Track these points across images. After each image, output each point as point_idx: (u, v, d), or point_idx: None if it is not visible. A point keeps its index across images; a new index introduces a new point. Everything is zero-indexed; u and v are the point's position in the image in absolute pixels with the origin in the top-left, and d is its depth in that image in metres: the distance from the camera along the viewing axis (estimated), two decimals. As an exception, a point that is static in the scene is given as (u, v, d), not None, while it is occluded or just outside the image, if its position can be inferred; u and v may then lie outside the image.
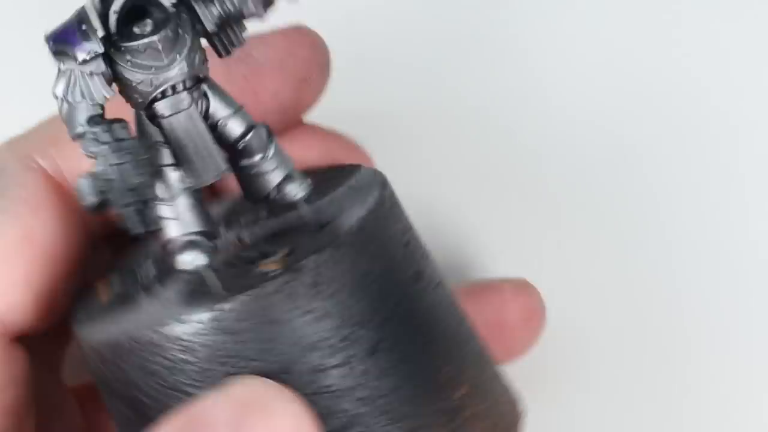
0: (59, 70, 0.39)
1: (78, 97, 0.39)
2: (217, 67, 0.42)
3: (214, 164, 0.41)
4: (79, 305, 0.46)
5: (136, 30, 0.40)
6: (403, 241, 0.44)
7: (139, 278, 0.46)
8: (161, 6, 0.40)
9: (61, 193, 0.46)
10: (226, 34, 0.42)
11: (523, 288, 0.54)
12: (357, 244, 0.42)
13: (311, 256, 0.41)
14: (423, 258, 0.45)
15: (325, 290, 0.41)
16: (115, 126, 0.39)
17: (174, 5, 0.40)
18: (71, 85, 0.39)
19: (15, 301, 0.45)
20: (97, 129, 0.39)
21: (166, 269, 0.45)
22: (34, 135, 0.47)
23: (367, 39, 0.59)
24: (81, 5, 0.40)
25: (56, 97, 0.39)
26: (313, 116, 0.51)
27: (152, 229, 0.39)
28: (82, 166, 0.44)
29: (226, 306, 0.40)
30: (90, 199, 0.39)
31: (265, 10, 0.41)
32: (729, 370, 0.58)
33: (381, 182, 0.45)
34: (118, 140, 0.39)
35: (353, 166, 0.48)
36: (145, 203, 0.38)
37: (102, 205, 0.39)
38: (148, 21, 0.40)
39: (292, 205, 0.43)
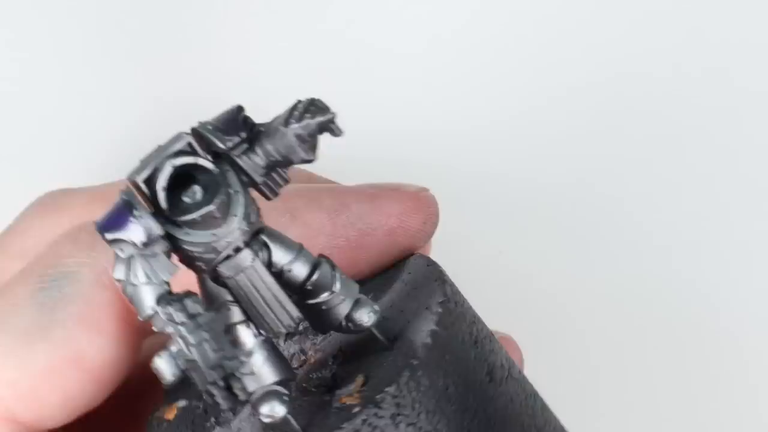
0: (117, 256, 0.38)
1: (143, 279, 0.38)
2: (325, 222, 0.41)
3: (287, 314, 0.40)
4: None
5: (186, 199, 0.39)
6: (472, 340, 0.44)
7: (205, 405, 0.46)
8: (203, 168, 0.39)
9: (126, 317, 0.45)
10: (272, 178, 0.41)
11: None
12: (432, 362, 0.41)
13: (390, 387, 0.40)
14: (491, 350, 0.45)
15: (406, 419, 0.40)
16: (188, 302, 0.38)
17: (214, 162, 0.39)
18: (133, 268, 0.38)
19: (47, 414, 0.44)
20: (170, 309, 0.38)
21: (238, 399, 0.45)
22: None
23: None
24: (121, 190, 0.39)
25: (118, 281, 0.38)
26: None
27: (243, 400, 0.38)
28: None
29: None
30: (171, 379, 0.38)
31: (314, 154, 0.40)
32: (730, 372, 0.59)
33: (439, 278, 0.44)
34: (193, 316, 0.38)
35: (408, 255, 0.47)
36: (230, 378, 0.38)
37: (181, 382, 0.39)
38: (196, 188, 0.39)
39: (361, 332, 0.43)
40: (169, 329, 0.38)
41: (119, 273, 0.38)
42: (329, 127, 0.39)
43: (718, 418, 0.59)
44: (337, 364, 0.44)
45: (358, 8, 0.62)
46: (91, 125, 0.63)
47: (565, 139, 0.61)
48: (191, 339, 0.38)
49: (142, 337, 0.46)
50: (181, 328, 0.38)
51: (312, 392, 0.43)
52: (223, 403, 0.38)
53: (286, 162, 0.40)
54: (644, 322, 0.59)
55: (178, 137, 0.39)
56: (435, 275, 0.45)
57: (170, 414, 0.46)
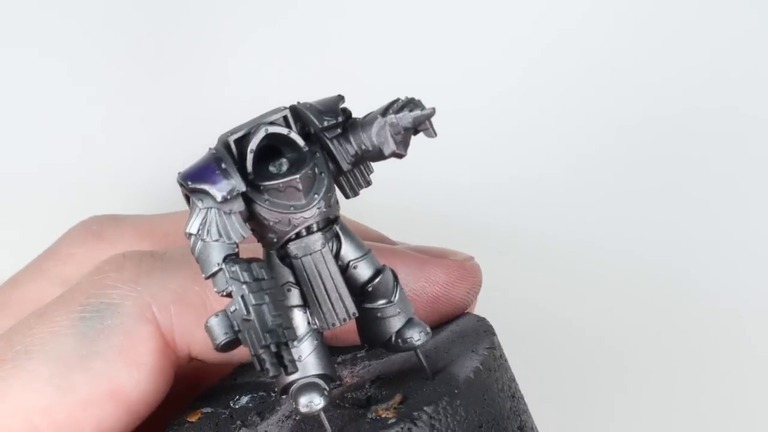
0: (196, 208, 0.38)
1: (215, 236, 0.38)
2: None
3: (344, 307, 0.40)
4: None
5: (272, 169, 0.39)
6: (510, 392, 0.44)
7: (232, 411, 0.45)
8: (295, 144, 0.39)
9: (165, 351, 0.45)
10: (354, 174, 0.41)
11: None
12: (472, 396, 0.41)
13: (428, 406, 0.40)
14: (525, 410, 0.45)
15: None
16: (254, 265, 0.38)
17: (308, 144, 0.40)
18: (207, 223, 0.38)
19: None
20: (236, 267, 0.38)
21: (266, 405, 0.44)
22: (162, 280, 0.45)
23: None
24: (213, 146, 0.39)
25: (189, 235, 0.38)
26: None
27: (290, 371, 0.38)
28: (194, 333, 0.44)
29: None
30: (223, 338, 0.38)
31: (406, 149, 0.40)
32: (729, 372, 0.59)
33: (489, 330, 0.44)
34: (258, 279, 0.38)
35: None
36: (283, 345, 0.38)
37: (231, 345, 0.38)
38: (283, 160, 0.39)
39: (410, 350, 0.42)
40: (232, 288, 0.38)
41: (193, 227, 0.38)
42: (425, 124, 0.40)
43: (718, 418, 0.58)
44: (374, 387, 0.43)
45: (374, 48, 0.64)
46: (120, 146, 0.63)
47: (563, 139, 0.61)
48: (252, 299, 0.37)
49: (175, 371, 0.45)
50: (244, 287, 0.38)
51: (345, 407, 0.42)
52: (272, 369, 0.37)
53: (377, 153, 0.40)
54: (644, 323, 0.59)
55: (276, 110, 0.39)
56: (485, 328, 0.45)
57: (193, 417, 0.46)
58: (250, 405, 0.45)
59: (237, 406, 0.46)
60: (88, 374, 0.43)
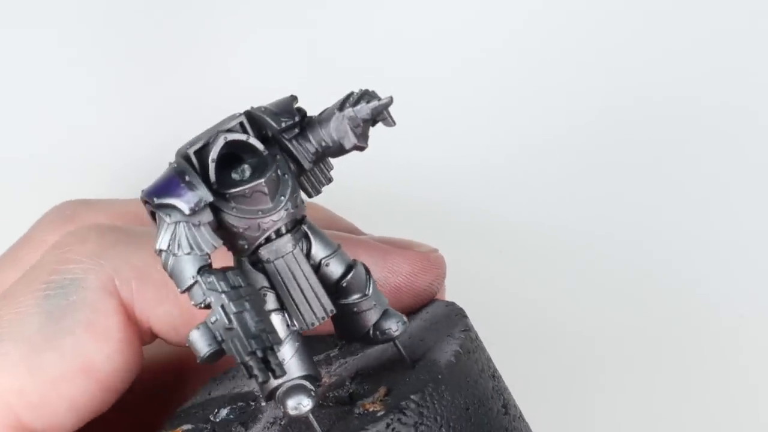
0: (164, 223, 0.38)
1: (186, 249, 0.38)
2: None
3: (321, 305, 0.40)
4: None
5: (235, 176, 0.39)
6: (491, 373, 0.44)
7: (213, 425, 0.45)
8: (255, 150, 0.39)
9: (130, 325, 0.44)
10: (315, 173, 0.41)
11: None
12: (455, 380, 0.41)
13: (415, 394, 0.40)
14: (506, 388, 0.45)
15: (428, 429, 0.40)
16: (230, 273, 0.38)
17: (267, 148, 0.39)
18: (177, 237, 0.38)
19: (57, 423, 0.43)
20: (212, 278, 0.38)
21: (248, 414, 0.44)
22: (125, 254, 0.45)
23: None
24: (170, 160, 0.39)
25: (160, 252, 0.38)
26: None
27: (278, 376, 0.38)
28: (155, 309, 0.44)
29: None
30: (207, 350, 0.38)
31: (366, 141, 0.40)
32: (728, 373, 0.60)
33: (460, 313, 0.45)
34: (235, 288, 0.38)
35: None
36: (269, 350, 0.37)
37: (216, 356, 0.38)
38: (245, 166, 0.39)
39: (388, 342, 0.43)
40: (210, 299, 0.38)
41: (162, 243, 0.38)
42: (383, 114, 0.40)
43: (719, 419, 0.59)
44: (354, 383, 0.43)
45: (364, 36, 0.64)
46: (101, 134, 0.63)
47: (561, 137, 0.62)
48: (233, 307, 0.37)
49: (142, 345, 0.45)
50: (223, 296, 0.37)
51: (329, 406, 0.42)
52: (260, 375, 0.37)
53: (337, 148, 0.40)
54: (644, 323, 0.60)
55: (231, 117, 0.39)
56: (456, 311, 0.45)
57: None
58: (231, 416, 0.45)
59: (218, 420, 0.45)
60: (58, 352, 0.43)
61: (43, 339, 0.43)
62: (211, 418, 0.45)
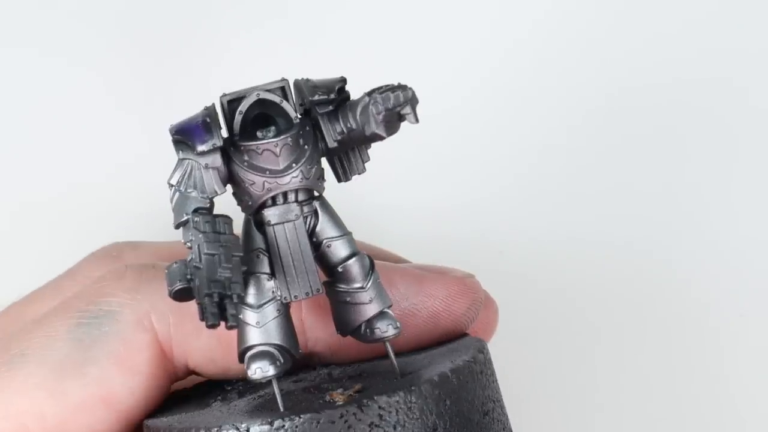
0: (178, 159, 0.40)
1: (190, 188, 0.40)
2: None
3: (309, 282, 0.41)
4: None
5: (259, 134, 0.40)
6: (483, 410, 0.43)
7: (222, 391, 0.46)
8: (288, 117, 0.40)
9: (161, 361, 0.45)
10: (348, 158, 0.42)
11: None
12: (432, 398, 0.41)
13: (380, 396, 0.40)
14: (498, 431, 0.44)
15: None
16: (219, 219, 0.39)
17: (300, 117, 0.40)
18: (186, 175, 0.40)
19: None
20: (199, 218, 0.39)
21: (250, 386, 0.45)
22: (162, 289, 0.43)
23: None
24: (210, 103, 0.41)
25: (170, 186, 0.40)
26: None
27: (229, 325, 0.38)
28: (192, 343, 0.44)
29: (282, 423, 0.39)
30: (177, 285, 0.39)
31: (387, 133, 0.41)
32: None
33: (479, 348, 0.44)
34: (217, 233, 0.39)
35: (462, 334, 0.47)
36: (226, 298, 0.38)
37: (185, 292, 0.39)
38: (272, 128, 0.40)
39: (377, 342, 0.42)
40: (191, 236, 0.39)
41: (174, 178, 0.40)
42: (408, 108, 0.40)
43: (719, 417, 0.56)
44: (349, 381, 0.43)
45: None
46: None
47: (562, 134, 0.60)
48: (206, 248, 0.38)
49: (171, 382, 0.46)
50: (201, 236, 0.39)
51: (313, 393, 0.43)
52: (210, 318, 0.38)
53: (360, 133, 0.41)
54: (645, 323, 0.57)
55: (276, 81, 0.41)
56: (478, 346, 0.44)
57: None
58: (240, 388, 0.46)
59: (229, 388, 0.46)
60: (82, 380, 0.43)
61: (68, 365, 0.43)
62: (225, 386, 0.46)
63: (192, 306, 0.42)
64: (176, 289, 0.39)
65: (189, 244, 0.39)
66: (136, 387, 0.44)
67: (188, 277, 0.39)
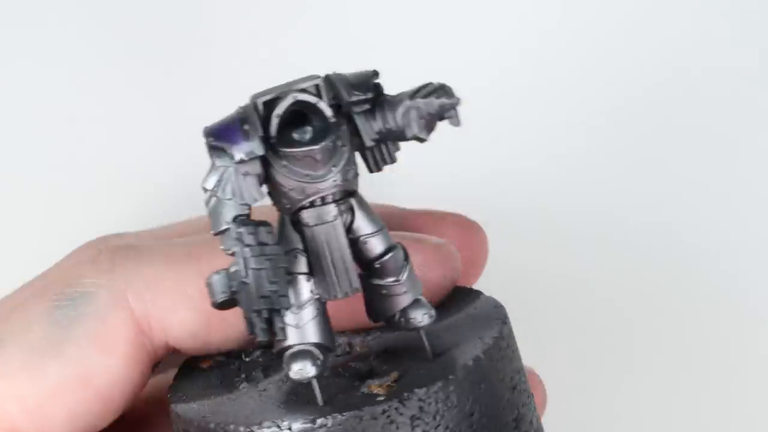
0: (213, 164, 0.39)
1: (228, 194, 0.39)
2: None
3: (348, 281, 0.41)
4: (178, 376, 0.46)
5: (296, 136, 0.39)
6: (511, 384, 0.44)
7: (241, 363, 0.46)
8: (322, 114, 0.39)
9: (139, 339, 0.44)
10: (380, 150, 0.41)
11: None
12: (467, 384, 0.41)
13: (420, 389, 0.40)
14: (525, 404, 0.45)
15: (424, 425, 0.40)
16: (261, 229, 0.38)
17: (336, 116, 0.40)
18: (223, 181, 0.39)
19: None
20: (242, 229, 0.38)
21: (274, 363, 0.45)
22: (136, 267, 0.45)
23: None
24: (244, 104, 0.39)
25: (205, 191, 0.39)
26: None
27: (278, 340, 0.38)
28: (170, 318, 0.44)
29: (325, 421, 0.39)
30: (220, 297, 0.39)
31: (428, 134, 0.40)
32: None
33: (502, 318, 0.44)
34: (262, 244, 0.38)
35: (474, 292, 0.47)
36: (274, 312, 0.38)
37: (229, 304, 0.39)
38: (308, 128, 0.40)
39: (412, 331, 0.43)
40: (235, 248, 0.38)
41: (209, 183, 0.39)
42: (450, 112, 0.39)
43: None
44: (377, 361, 0.44)
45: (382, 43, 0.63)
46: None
47: (565, 135, 0.61)
48: (253, 262, 0.38)
49: (152, 362, 0.46)
50: (247, 250, 0.38)
51: (345, 377, 0.43)
52: (261, 334, 0.38)
53: (399, 134, 0.40)
54: (645, 323, 0.59)
55: (310, 77, 0.40)
56: (499, 315, 0.45)
57: (205, 363, 0.47)
58: (260, 359, 0.46)
59: (248, 359, 0.46)
60: (60, 359, 0.43)
61: (46, 346, 0.43)
62: (243, 356, 0.46)
63: (167, 281, 0.43)
64: (220, 300, 0.39)
65: (229, 252, 0.39)
66: (114, 366, 0.44)
67: (232, 289, 0.38)
